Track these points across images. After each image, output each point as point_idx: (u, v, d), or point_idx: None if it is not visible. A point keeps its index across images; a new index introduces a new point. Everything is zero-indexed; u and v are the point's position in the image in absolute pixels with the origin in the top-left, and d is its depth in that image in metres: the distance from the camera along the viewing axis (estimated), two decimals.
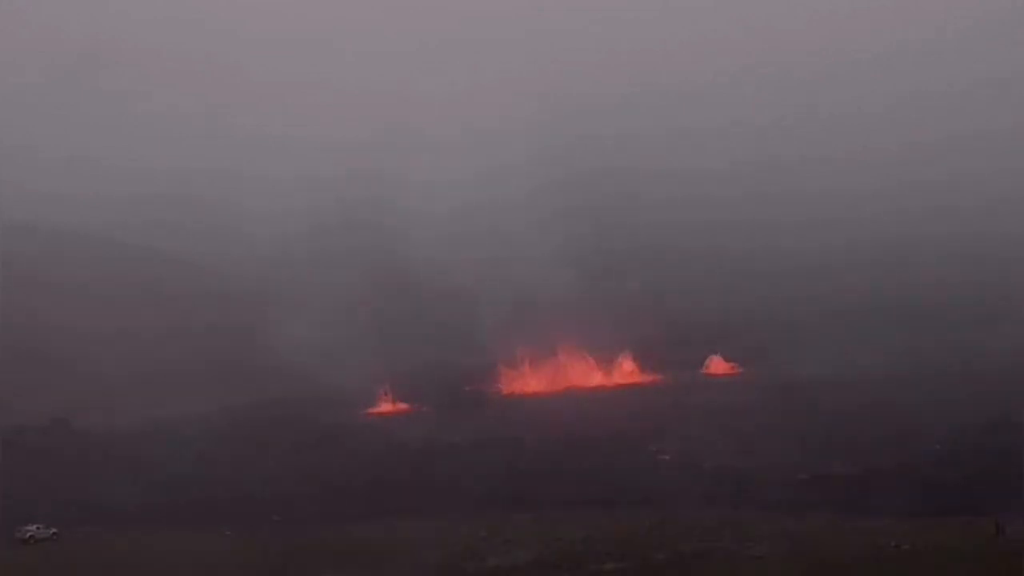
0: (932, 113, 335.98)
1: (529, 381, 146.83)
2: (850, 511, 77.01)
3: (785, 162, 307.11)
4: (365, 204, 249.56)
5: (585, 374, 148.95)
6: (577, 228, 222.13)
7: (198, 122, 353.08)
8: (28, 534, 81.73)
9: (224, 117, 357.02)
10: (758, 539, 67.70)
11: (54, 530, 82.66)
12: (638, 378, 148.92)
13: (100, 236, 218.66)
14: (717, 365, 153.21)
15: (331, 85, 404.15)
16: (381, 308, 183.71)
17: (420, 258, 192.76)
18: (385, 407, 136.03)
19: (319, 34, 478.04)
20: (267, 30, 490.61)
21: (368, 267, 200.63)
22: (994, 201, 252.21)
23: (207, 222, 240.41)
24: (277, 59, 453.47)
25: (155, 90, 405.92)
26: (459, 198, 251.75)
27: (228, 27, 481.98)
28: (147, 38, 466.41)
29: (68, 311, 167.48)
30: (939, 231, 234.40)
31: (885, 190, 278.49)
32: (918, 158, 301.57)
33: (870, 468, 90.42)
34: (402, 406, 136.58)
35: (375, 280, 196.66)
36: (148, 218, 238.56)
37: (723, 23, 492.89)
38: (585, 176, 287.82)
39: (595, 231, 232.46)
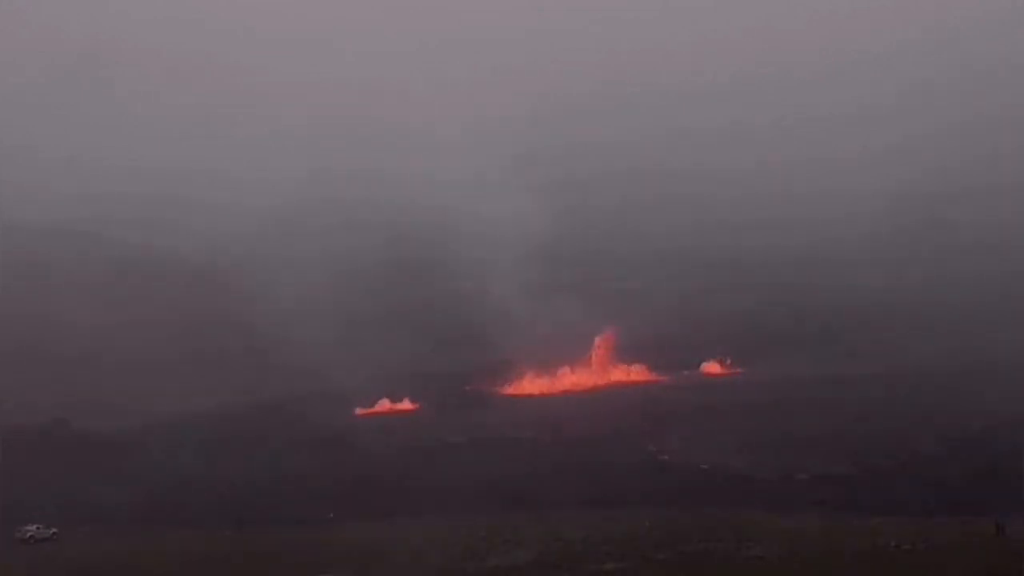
0: (930, 113, 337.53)
1: (529, 381, 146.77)
2: (850, 511, 77.10)
3: (785, 163, 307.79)
4: (365, 204, 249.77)
5: (585, 374, 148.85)
6: (577, 228, 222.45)
7: (198, 121, 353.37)
8: (28, 534, 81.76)
9: (224, 116, 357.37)
10: (758, 539, 67.71)
11: (54, 530, 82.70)
12: (638, 378, 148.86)
13: (100, 236, 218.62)
14: (717, 365, 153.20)
15: (332, 85, 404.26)
16: (381, 308, 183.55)
17: (420, 258, 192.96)
18: (385, 407, 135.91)
19: (319, 34, 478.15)
20: (266, 30, 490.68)
21: (368, 267, 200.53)
22: (995, 201, 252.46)
23: (207, 222, 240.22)
24: (276, 59, 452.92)
25: (154, 89, 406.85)
26: (458, 198, 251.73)
27: (228, 27, 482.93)
28: (147, 38, 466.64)
29: (68, 310, 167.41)
30: (938, 231, 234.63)
31: (884, 190, 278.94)
32: (916, 158, 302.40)
33: (870, 468, 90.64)
34: (402, 406, 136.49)
35: (375, 280, 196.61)
36: (147, 218, 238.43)
37: (722, 24, 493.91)
38: (585, 176, 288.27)
39: (595, 231, 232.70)
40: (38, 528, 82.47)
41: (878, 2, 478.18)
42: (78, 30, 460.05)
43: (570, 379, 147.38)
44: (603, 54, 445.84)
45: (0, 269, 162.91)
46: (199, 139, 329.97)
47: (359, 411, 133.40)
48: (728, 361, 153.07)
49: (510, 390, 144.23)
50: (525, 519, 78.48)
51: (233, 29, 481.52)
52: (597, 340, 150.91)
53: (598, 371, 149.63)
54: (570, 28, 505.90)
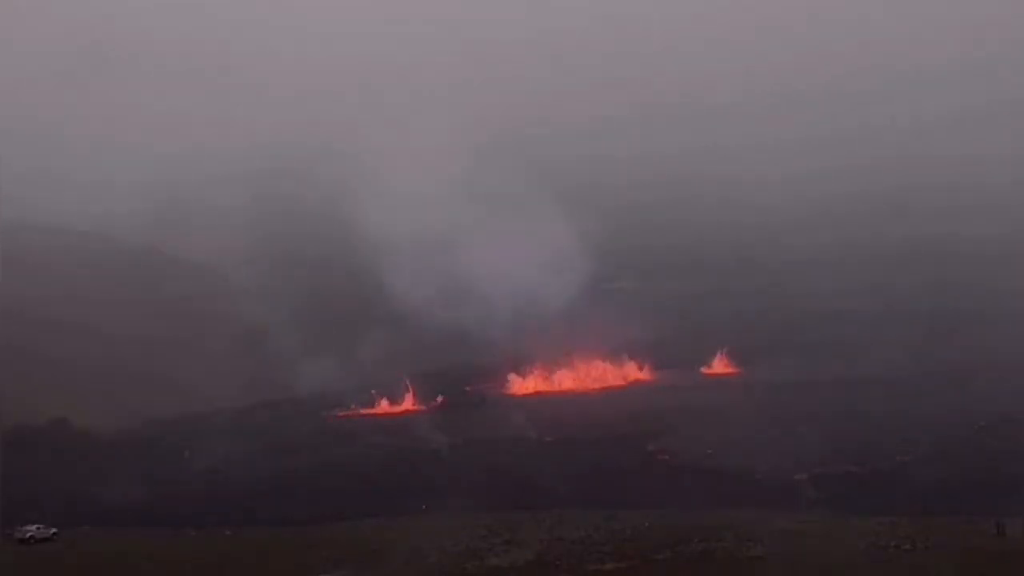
0: (937, 129, 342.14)
1: (529, 381, 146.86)
2: (850, 511, 77.10)
3: (786, 170, 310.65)
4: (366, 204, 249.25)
5: (585, 374, 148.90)
6: (577, 230, 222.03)
7: (197, 124, 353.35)
8: (28, 534, 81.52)
9: (223, 118, 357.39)
10: (758, 539, 67.68)
11: (54, 530, 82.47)
12: (638, 378, 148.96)
13: (100, 235, 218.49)
14: (717, 365, 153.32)
15: (335, 91, 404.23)
16: (382, 309, 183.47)
17: (421, 259, 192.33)
18: (385, 407, 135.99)
19: (318, 39, 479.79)
20: (265, 30, 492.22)
21: (369, 269, 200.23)
22: (998, 205, 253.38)
23: (207, 222, 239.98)
24: (274, 63, 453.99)
25: (153, 90, 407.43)
26: (461, 201, 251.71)
27: (231, 31, 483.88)
28: (151, 35, 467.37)
29: (68, 311, 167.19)
30: (939, 233, 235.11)
31: (883, 193, 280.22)
32: (917, 164, 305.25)
33: (870, 468, 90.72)
34: (402, 406, 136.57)
35: (376, 281, 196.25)
36: (148, 218, 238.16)
37: (729, 49, 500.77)
38: (585, 179, 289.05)
39: (595, 233, 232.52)
40: (38, 528, 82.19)
41: (876, 26, 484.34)
42: (81, 25, 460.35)
43: (570, 379, 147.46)
44: (611, 68, 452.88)
45: (1, 268, 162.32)
46: (197, 140, 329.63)
47: (359, 411, 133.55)
48: (728, 361, 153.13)
49: (510, 390, 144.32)
50: (525, 519, 78.42)
51: (238, 26, 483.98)
52: (597, 341, 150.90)
53: (598, 371, 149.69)
54: (573, 38, 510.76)
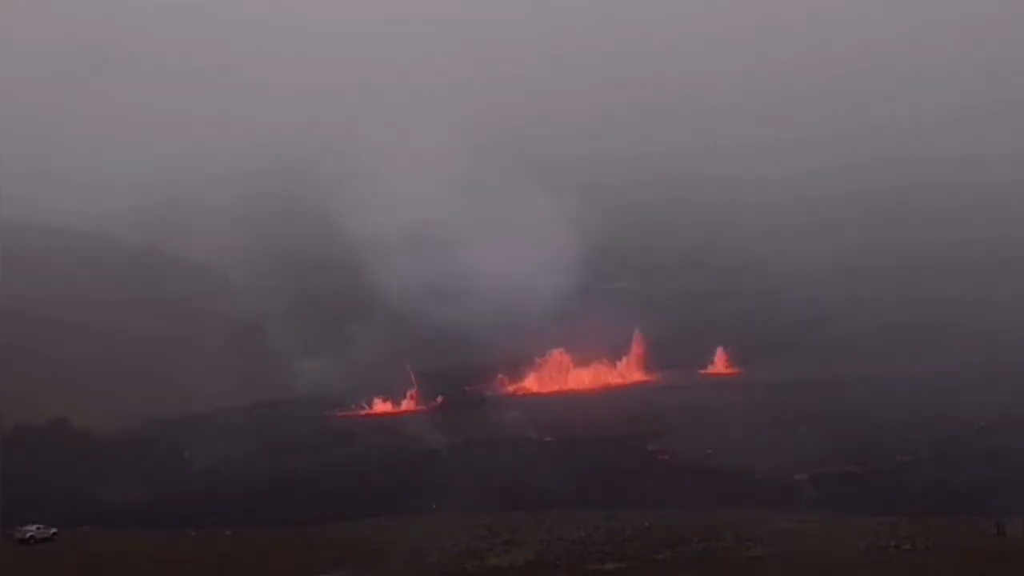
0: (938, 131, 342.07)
1: (529, 381, 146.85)
2: (850, 511, 77.12)
3: (789, 172, 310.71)
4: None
5: (585, 375, 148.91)
6: (577, 229, 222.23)
7: (197, 124, 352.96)
8: (28, 534, 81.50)
9: (223, 118, 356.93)
10: (758, 539, 67.68)
11: (54, 530, 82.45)
12: (638, 378, 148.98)
13: (100, 235, 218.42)
14: (717, 365, 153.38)
15: (335, 91, 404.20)
16: (382, 309, 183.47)
17: (420, 258, 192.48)
18: (385, 407, 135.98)
19: (318, 39, 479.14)
20: (267, 29, 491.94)
21: (369, 269, 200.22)
22: (997, 205, 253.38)
23: (207, 222, 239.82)
24: (274, 63, 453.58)
25: (153, 90, 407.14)
26: (466, 202, 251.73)
27: (231, 31, 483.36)
28: (151, 35, 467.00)
29: (68, 311, 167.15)
30: (939, 233, 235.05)
31: (883, 193, 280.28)
32: (917, 168, 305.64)
33: (870, 468, 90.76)
34: (403, 406, 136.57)
35: (376, 282, 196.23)
36: (148, 218, 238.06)
37: (733, 50, 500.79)
38: (585, 179, 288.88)
39: (595, 233, 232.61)
40: (38, 528, 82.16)
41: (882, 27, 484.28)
42: (81, 25, 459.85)
43: (570, 379, 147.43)
44: (611, 68, 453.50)
45: (1, 268, 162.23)
46: (197, 140, 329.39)
47: (359, 411, 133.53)
48: (728, 361, 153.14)
49: (510, 390, 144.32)
50: (525, 519, 78.45)
51: (238, 26, 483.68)
52: (596, 341, 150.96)
53: (599, 371, 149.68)
54: (573, 38, 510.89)
